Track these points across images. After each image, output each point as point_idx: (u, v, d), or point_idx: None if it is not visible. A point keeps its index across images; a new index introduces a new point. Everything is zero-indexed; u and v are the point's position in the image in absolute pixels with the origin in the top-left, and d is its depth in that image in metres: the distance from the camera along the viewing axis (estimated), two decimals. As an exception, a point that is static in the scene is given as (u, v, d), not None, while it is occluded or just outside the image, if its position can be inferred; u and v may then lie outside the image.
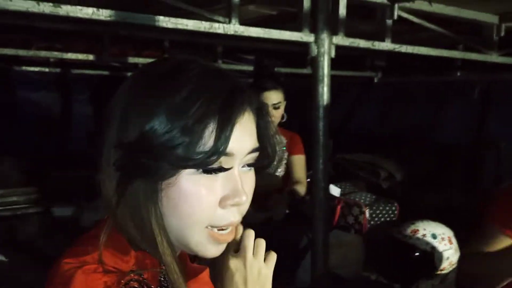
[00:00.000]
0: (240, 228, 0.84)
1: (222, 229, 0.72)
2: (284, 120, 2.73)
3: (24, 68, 4.66)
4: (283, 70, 4.81)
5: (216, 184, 0.69)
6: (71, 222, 3.35)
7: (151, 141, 0.65)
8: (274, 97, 2.58)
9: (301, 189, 2.67)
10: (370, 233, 3.10)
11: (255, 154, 0.74)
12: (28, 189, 4.03)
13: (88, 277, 0.63)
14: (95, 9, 1.69)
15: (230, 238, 0.75)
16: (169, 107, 0.66)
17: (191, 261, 0.82)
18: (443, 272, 2.54)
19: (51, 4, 1.61)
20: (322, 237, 2.36)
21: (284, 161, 2.71)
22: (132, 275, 0.64)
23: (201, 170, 0.67)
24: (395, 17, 2.41)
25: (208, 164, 0.66)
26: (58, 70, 4.75)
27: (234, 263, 0.83)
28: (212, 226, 0.71)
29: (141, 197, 0.68)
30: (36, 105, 5.03)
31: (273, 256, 0.86)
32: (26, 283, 2.62)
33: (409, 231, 2.60)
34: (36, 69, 4.69)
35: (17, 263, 2.95)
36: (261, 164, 0.78)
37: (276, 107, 2.59)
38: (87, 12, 1.67)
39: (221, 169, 0.69)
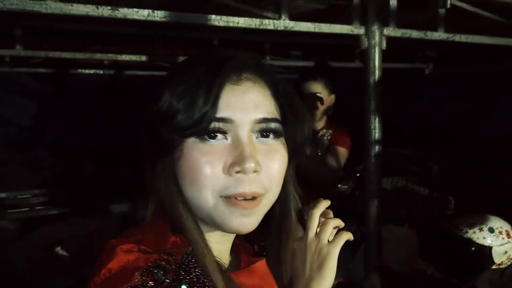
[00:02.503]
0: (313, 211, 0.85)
1: (244, 199, 0.71)
2: (330, 113, 2.73)
3: (80, 70, 4.85)
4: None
5: (220, 151, 0.71)
6: (129, 218, 3.47)
7: (156, 118, 0.73)
8: (312, 87, 2.59)
9: (326, 172, 2.63)
10: (424, 227, 3.04)
11: (274, 125, 0.75)
12: (88, 186, 4.21)
13: (125, 254, 0.67)
14: (150, 11, 1.75)
15: (252, 206, 0.72)
16: (170, 85, 0.73)
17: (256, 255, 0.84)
18: (501, 266, 2.47)
19: (109, 7, 1.67)
20: (374, 231, 2.34)
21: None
22: (162, 254, 0.67)
23: (200, 138, 0.71)
24: (448, 5, 2.35)
25: (202, 129, 0.70)
26: (111, 72, 4.92)
27: (296, 244, 0.84)
28: (225, 196, 0.71)
29: (162, 177, 0.74)
30: (91, 106, 5.21)
31: (342, 236, 0.84)
32: (86, 278, 2.72)
33: (465, 225, 2.54)
34: (91, 71, 4.87)
35: (78, 259, 3.06)
36: (292, 138, 0.79)
37: (313, 97, 2.61)
38: (143, 14, 1.73)
39: (216, 134, 0.71)
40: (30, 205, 3.97)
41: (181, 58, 4.21)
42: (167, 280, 0.65)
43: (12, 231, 3.59)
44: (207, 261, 0.71)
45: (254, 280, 0.78)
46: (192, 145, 0.71)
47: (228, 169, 0.70)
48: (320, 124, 2.74)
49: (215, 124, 0.71)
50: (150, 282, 0.64)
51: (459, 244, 2.51)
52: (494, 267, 2.47)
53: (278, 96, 0.78)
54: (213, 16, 1.85)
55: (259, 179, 0.72)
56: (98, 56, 4.17)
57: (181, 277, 0.67)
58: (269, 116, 0.74)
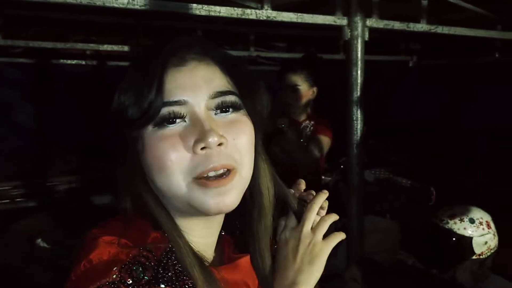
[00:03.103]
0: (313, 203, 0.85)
1: (215, 177, 0.70)
2: (311, 106, 2.74)
3: (61, 61, 4.78)
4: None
5: (180, 133, 0.70)
6: (110, 210, 3.44)
7: (111, 116, 0.73)
8: (291, 79, 2.61)
9: (305, 159, 2.65)
10: (406, 218, 3.07)
11: (229, 97, 0.74)
12: (69, 178, 4.17)
13: (106, 246, 0.66)
14: (130, -1, 1.73)
15: (226, 182, 0.70)
16: (121, 81, 0.73)
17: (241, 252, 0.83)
18: (481, 257, 2.50)
19: (88, -5, 1.65)
20: (357, 223, 2.35)
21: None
22: (141, 249, 0.66)
23: (157, 125, 0.70)
24: (431, -3, 2.36)
25: (154, 116, 0.69)
26: (94, 62, 4.86)
27: (289, 234, 0.85)
28: (197, 177, 0.69)
29: (131, 172, 0.74)
30: (73, 97, 5.15)
31: (337, 236, 0.86)
32: (70, 270, 2.70)
33: (446, 215, 2.56)
34: (73, 62, 4.81)
35: (58, 250, 3.03)
36: (252, 109, 0.77)
37: (293, 89, 2.62)
38: (122, 2, 1.70)
39: (173, 119, 0.70)
40: (11, 196, 3.93)
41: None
42: (145, 277, 0.64)
43: (-8, 223, 3.54)
44: (185, 256, 0.69)
45: (237, 276, 0.78)
46: (151, 134, 0.70)
47: (193, 148, 0.69)
48: (302, 116, 2.75)
49: (168, 109, 0.70)
50: (129, 280, 0.63)
51: (440, 234, 2.53)
52: (474, 257, 2.49)
53: (229, 71, 0.76)
54: (194, 5, 1.83)
55: (227, 152, 0.71)
56: (80, 46, 4.12)
57: (159, 275, 0.66)
58: (222, 89, 0.73)
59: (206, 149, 0.69)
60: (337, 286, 2.23)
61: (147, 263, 0.65)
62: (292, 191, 0.90)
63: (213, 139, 0.68)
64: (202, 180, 0.69)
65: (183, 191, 0.70)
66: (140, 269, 0.64)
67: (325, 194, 0.88)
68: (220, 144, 0.69)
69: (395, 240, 2.68)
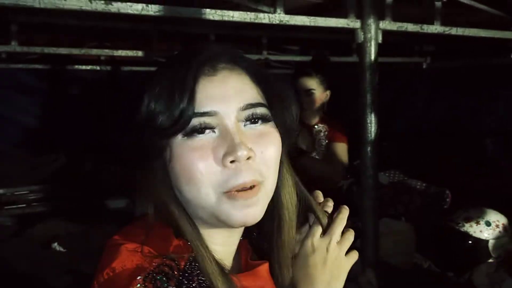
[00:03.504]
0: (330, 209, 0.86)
1: (242, 189, 0.70)
2: (325, 109, 2.73)
3: (76, 67, 4.83)
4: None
5: (210, 144, 0.70)
6: (125, 214, 3.46)
7: (139, 123, 0.71)
8: (306, 84, 2.60)
9: (327, 169, 2.64)
10: (421, 221, 3.05)
11: (260, 110, 0.73)
12: (85, 182, 4.21)
13: (129, 254, 0.66)
14: (144, 5, 1.74)
15: (252, 195, 0.71)
16: (148, 88, 0.71)
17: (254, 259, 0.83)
18: (498, 260, 2.48)
19: (102, 1, 1.66)
20: (371, 226, 2.34)
21: (323, 149, 2.70)
22: (164, 259, 0.66)
23: (187, 135, 0.69)
24: (444, -1, 2.35)
25: (185, 126, 0.69)
26: (108, 68, 4.90)
27: (317, 242, 0.84)
28: (226, 191, 0.70)
29: (157, 182, 0.73)
30: (88, 102, 5.20)
31: (355, 254, 0.88)
32: (86, 274, 2.72)
33: (462, 218, 2.55)
34: (88, 67, 4.85)
35: (76, 254, 3.05)
36: (281, 121, 0.77)
37: (308, 93, 2.61)
38: (136, 8, 1.72)
39: (203, 129, 0.70)
40: (27, 201, 3.97)
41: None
42: (169, 287, 0.64)
43: (9, 227, 3.58)
44: (208, 266, 0.69)
45: (257, 283, 0.77)
46: (181, 144, 0.70)
47: (222, 161, 0.69)
48: (315, 119, 2.74)
49: (199, 119, 0.69)
50: None
51: (456, 237, 2.51)
52: (490, 260, 2.47)
53: (259, 81, 0.76)
54: (208, 10, 1.85)
55: (254, 165, 0.71)
56: (95, 52, 4.15)
57: (184, 286, 0.65)
58: (253, 101, 0.73)
59: (236, 162, 0.69)
60: (352, 289, 2.22)
61: (170, 273, 0.65)
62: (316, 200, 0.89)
63: (242, 153, 0.68)
64: (231, 192, 0.70)
65: (212, 202, 0.70)
66: (164, 279, 0.64)
67: (347, 210, 0.88)
68: (248, 158, 0.70)
69: (411, 243, 2.66)
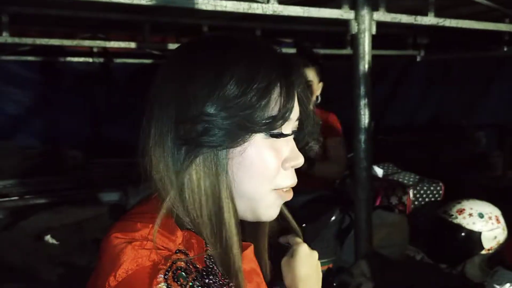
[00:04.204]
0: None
1: (285, 191, 0.77)
2: (318, 101, 2.71)
3: (68, 59, 4.80)
4: (322, 51, 4.75)
5: (280, 147, 0.75)
6: (118, 207, 3.45)
7: (224, 110, 0.69)
8: (305, 75, 2.56)
9: (331, 168, 2.65)
10: (415, 213, 3.06)
11: (297, 122, 0.79)
12: (77, 175, 4.19)
13: (138, 253, 0.64)
14: (136, -6, 1.72)
15: (291, 196, 0.78)
16: (238, 76, 0.70)
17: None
18: (490, 251, 2.49)
19: (94, -10, 1.65)
20: (365, 217, 2.34)
21: (317, 143, 2.69)
22: (179, 254, 0.66)
23: (268, 135, 0.72)
24: (438, -10, 2.34)
25: (276, 127, 0.72)
26: (101, 60, 4.87)
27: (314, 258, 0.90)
28: (275, 189, 0.75)
29: (214, 166, 0.71)
30: (80, 94, 5.17)
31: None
32: (78, 266, 2.72)
33: (455, 210, 2.55)
34: (80, 59, 4.82)
35: (69, 247, 3.04)
36: (300, 135, 0.83)
37: (307, 85, 2.58)
38: (128, -3, 1.71)
39: (284, 135, 0.74)
40: (20, 194, 3.94)
41: (171, 46, 4.19)
42: (190, 283, 0.64)
43: (1, 220, 3.56)
44: (236, 255, 0.72)
45: (248, 265, 0.79)
46: (261, 140, 0.72)
47: (283, 164, 0.75)
48: None
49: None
50: (178, 287, 0.63)
51: (449, 229, 2.52)
52: (483, 252, 2.48)
53: (299, 94, 0.80)
54: (200, 0, 1.83)
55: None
56: (87, 43, 4.12)
57: (210, 281, 0.67)
58: (299, 114, 0.79)
59: (293, 167, 0.77)
60: (346, 281, 2.23)
61: (187, 268, 0.65)
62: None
63: (302, 161, 0.77)
64: (278, 190, 0.76)
65: (262, 196, 0.75)
66: (184, 274, 0.64)
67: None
68: None
69: (404, 235, 2.67)
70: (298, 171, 0.81)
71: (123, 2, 1.72)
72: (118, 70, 5.21)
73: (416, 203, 3.19)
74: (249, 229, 0.85)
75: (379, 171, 3.43)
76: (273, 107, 0.71)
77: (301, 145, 0.82)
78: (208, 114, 0.69)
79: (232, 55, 0.72)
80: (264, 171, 0.73)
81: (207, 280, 0.67)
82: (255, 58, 0.73)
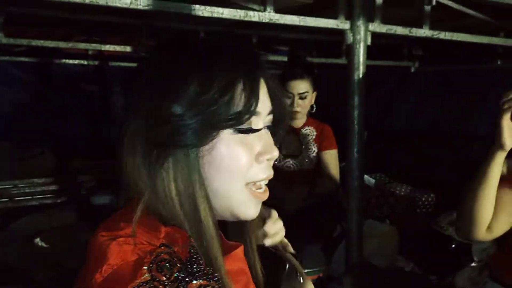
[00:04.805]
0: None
1: (259, 188, 0.78)
2: (313, 111, 2.72)
3: (64, 61, 4.79)
4: (317, 60, 4.77)
5: (251, 142, 0.76)
6: (110, 210, 3.43)
7: (189, 109, 0.71)
8: (300, 86, 2.57)
9: (330, 183, 2.65)
10: (406, 224, 3.07)
11: (271, 117, 0.81)
12: (68, 177, 4.17)
13: (122, 248, 0.66)
14: (133, -1, 1.72)
15: (266, 196, 0.80)
16: (200, 76, 0.72)
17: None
18: (480, 264, 2.50)
19: (91, -6, 1.64)
20: (356, 227, 2.34)
21: (313, 154, 2.69)
22: (162, 247, 0.67)
23: (236, 130, 0.74)
24: (434, 3, 2.36)
25: (242, 122, 0.73)
26: (96, 62, 4.86)
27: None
28: (249, 183, 0.77)
29: (185, 167, 0.73)
30: (75, 97, 5.16)
31: None
32: (69, 269, 2.70)
33: (446, 222, 2.57)
34: (76, 61, 4.81)
35: (58, 250, 3.03)
36: (276, 129, 0.84)
37: (302, 96, 2.59)
38: (125, 1, 1.70)
39: (253, 130, 0.76)
40: (11, 195, 3.92)
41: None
42: (175, 274, 0.65)
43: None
44: (214, 249, 0.73)
45: (237, 265, 0.81)
46: (230, 136, 0.74)
47: (257, 157, 0.76)
48: (301, 121, 2.73)
49: (251, 119, 0.76)
50: (162, 277, 0.63)
51: (439, 241, 2.53)
52: (473, 264, 2.49)
53: (270, 87, 0.82)
54: (197, 6, 1.83)
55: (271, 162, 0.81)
56: (83, 46, 4.12)
57: (190, 270, 0.67)
58: (271, 108, 0.81)
59: (268, 160, 0.78)
60: (335, 290, 2.23)
61: (171, 259, 0.66)
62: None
63: (276, 153, 0.78)
64: (252, 190, 0.77)
65: (237, 193, 0.76)
66: (168, 265, 0.65)
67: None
68: None
69: (394, 246, 2.68)
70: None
71: (119, 6, 1.71)
72: (113, 73, 5.20)
73: (408, 213, 3.20)
74: (236, 229, 0.88)
75: (371, 181, 3.44)
76: (238, 103, 0.72)
77: (278, 138, 0.84)
78: (175, 114, 0.71)
79: (195, 56, 0.75)
80: (235, 167, 0.74)
81: (191, 270, 0.67)
82: (216, 56, 0.75)
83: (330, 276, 2.35)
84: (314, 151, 2.69)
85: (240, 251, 0.83)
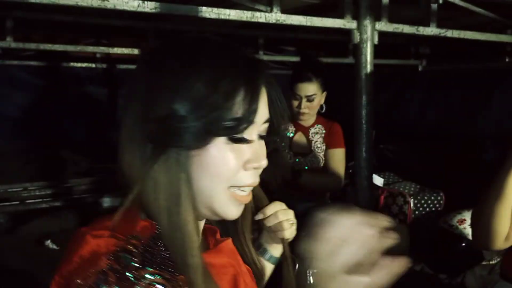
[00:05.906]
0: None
1: (242, 191, 0.79)
2: (323, 111, 2.72)
3: (72, 64, 4.81)
4: (325, 59, 4.77)
5: (241, 149, 0.76)
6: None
7: (191, 112, 0.71)
8: (308, 89, 2.57)
9: (332, 182, 2.64)
10: (415, 223, 3.05)
11: (266, 125, 0.81)
12: (78, 180, 4.19)
13: (95, 241, 0.69)
14: (140, 2, 1.74)
15: (248, 200, 0.81)
16: (204, 79, 0.72)
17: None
18: (491, 262, 2.49)
19: (98, -3, 1.66)
20: (365, 227, 2.33)
21: (322, 152, 2.69)
22: (129, 238, 0.69)
23: (231, 140, 0.74)
24: (440, 1, 2.35)
25: (240, 131, 0.74)
26: (104, 65, 4.89)
27: None
28: (234, 186, 0.77)
29: (174, 165, 0.73)
30: (84, 99, 5.18)
31: None
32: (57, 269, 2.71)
33: (455, 221, 2.56)
34: (84, 65, 4.84)
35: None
36: (271, 138, 0.84)
37: (309, 99, 2.58)
38: (133, 4, 1.72)
39: (246, 140, 0.76)
40: (21, 198, 3.95)
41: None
42: (135, 264, 0.66)
43: (2, 224, 3.57)
44: (192, 248, 0.72)
45: (222, 259, 0.83)
46: (217, 143, 0.74)
47: (245, 165, 0.77)
48: (311, 121, 2.73)
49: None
50: (117, 266, 0.65)
51: (449, 240, 2.52)
52: (484, 263, 2.48)
53: (271, 95, 0.82)
54: (204, 8, 1.84)
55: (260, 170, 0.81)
56: (91, 49, 4.14)
57: (146, 260, 0.68)
58: (268, 117, 0.81)
59: (256, 168, 0.79)
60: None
61: (134, 251, 0.68)
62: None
63: (265, 162, 0.79)
64: (234, 193, 0.78)
65: (219, 195, 0.76)
66: (128, 256, 0.66)
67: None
68: None
69: (404, 245, 2.67)
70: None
71: (127, 9, 1.73)
72: (121, 76, 5.22)
73: (416, 212, 3.19)
74: (231, 227, 0.93)
75: (379, 180, 3.43)
76: (237, 110, 0.73)
77: (271, 148, 0.84)
78: (175, 115, 0.71)
79: (200, 57, 0.75)
80: (222, 170, 0.75)
81: (147, 259, 0.68)
82: (223, 60, 0.75)
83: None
84: (323, 149, 2.69)
85: (225, 245, 0.86)
